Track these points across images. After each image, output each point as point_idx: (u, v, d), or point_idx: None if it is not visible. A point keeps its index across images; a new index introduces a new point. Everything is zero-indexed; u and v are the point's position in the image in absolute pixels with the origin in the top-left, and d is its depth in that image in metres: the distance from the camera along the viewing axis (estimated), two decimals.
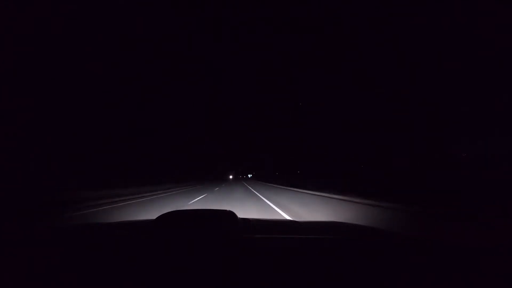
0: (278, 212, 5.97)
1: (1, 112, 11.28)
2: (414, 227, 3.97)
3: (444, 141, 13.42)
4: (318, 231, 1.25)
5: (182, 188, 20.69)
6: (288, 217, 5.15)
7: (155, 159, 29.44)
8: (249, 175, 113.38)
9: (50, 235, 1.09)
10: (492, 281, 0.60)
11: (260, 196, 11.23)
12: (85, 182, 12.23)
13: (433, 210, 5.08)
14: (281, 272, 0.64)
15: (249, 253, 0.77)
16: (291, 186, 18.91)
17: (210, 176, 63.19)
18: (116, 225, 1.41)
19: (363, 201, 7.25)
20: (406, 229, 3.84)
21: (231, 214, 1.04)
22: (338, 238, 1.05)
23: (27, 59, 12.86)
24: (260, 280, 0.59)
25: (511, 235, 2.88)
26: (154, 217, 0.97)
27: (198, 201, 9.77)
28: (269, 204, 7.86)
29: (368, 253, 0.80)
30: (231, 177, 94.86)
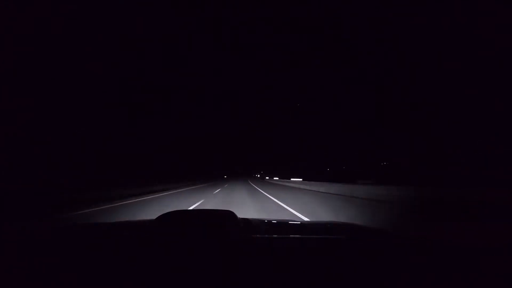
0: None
1: (1, 112, 11.28)
2: (414, 227, 3.97)
3: (444, 141, 13.41)
4: (318, 231, 1.25)
5: (197, 185, 23.11)
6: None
7: (156, 159, 29.46)
8: (257, 175, 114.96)
9: (50, 235, 1.09)
10: (492, 281, 0.60)
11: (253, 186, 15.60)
12: (106, 181, 12.55)
13: (433, 210, 5.07)
14: (281, 272, 0.64)
15: (249, 253, 0.77)
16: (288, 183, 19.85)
17: (216, 175, 64.73)
18: (116, 225, 1.41)
19: (363, 200, 7.25)
20: (406, 229, 3.84)
21: (231, 215, 1.03)
22: (338, 238, 1.05)
23: (27, 59, 12.85)
24: (260, 280, 0.59)
25: (511, 235, 2.88)
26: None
27: (219, 192, 13.03)
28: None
29: (368, 253, 0.80)
30: (235, 176, 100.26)
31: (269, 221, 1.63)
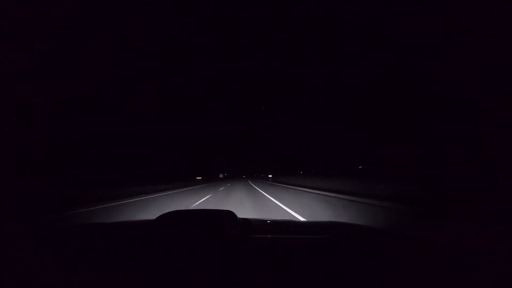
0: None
1: (1, 112, 11.29)
2: (414, 227, 3.97)
3: (444, 141, 13.41)
4: (318, 231, 1.25)
5: (207, 183, 27.87)
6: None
7: (156, 159, 29.51)
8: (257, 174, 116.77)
9: (50, 235, 1.09)
10: (491, 281, 0.60)
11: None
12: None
13: (432, 210, 5.07)
14: (281, 272, 0.64)
15: (249, 253, 0.77)
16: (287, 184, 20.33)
17: (216, 175, 66.01)
18: (116, 225, 1.41)
19: (363, 201, 7.24)
20: (406, 229, 3.84)
21: (231, 214, 1.03)
22: (338, 238, 1.05)
23: (27, 59, 12.85)
24: (260, 280, 0.59)
25: (511, 235, 2.87)
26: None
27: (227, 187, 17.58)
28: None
29: (368, 253, 0.80)
30: (235, 176, 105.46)
31: (269, 221, 1.63)
